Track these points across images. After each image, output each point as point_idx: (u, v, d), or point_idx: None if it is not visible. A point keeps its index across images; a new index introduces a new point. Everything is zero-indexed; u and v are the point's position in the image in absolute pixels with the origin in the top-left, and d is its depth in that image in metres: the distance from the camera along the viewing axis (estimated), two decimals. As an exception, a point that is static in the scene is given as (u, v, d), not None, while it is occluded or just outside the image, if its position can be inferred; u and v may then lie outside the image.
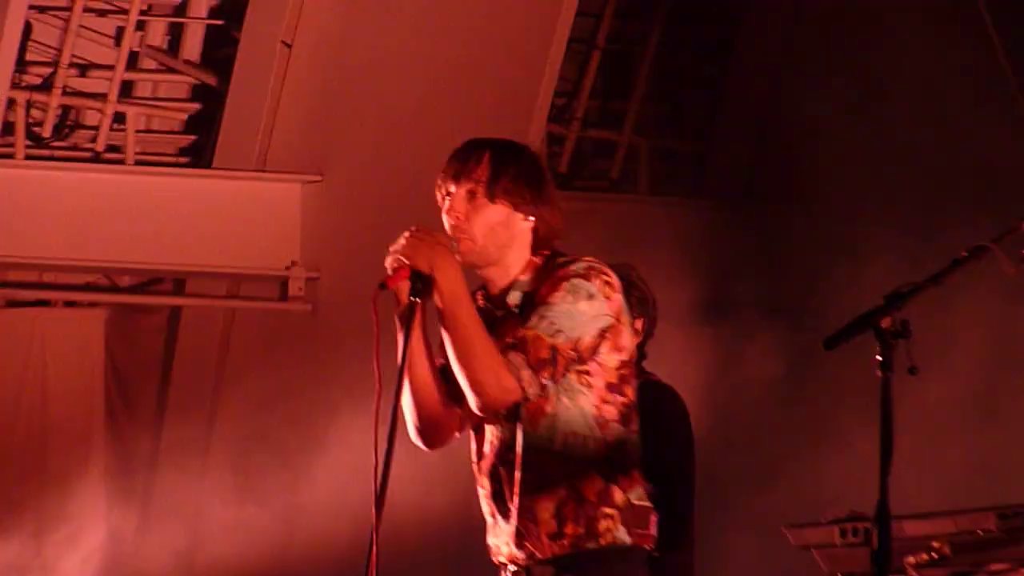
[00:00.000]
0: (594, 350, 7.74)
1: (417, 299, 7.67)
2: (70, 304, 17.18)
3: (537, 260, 7.93)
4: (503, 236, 7.90)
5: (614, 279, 7.87)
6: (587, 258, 7.99)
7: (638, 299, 10.01)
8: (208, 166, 17.07)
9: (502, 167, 7.98)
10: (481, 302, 8.04)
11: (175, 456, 16.01)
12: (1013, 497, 8.67)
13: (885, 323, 6.65)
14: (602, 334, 7.76)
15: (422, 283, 7.71)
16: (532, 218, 7.91)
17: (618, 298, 7.88)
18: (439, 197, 8.02)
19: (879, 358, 6.83)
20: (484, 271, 7.94)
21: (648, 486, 9.25)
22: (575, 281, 7.72)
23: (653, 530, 7.96)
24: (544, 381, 7.61)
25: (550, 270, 7.93)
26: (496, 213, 7.87)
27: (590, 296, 7.76)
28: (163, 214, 16.84)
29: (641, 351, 10.02)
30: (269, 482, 14.29)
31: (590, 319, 7.75)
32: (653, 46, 17.79)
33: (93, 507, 15.78)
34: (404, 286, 7.68)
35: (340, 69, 16.93)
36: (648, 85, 18.00)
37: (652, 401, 9.53)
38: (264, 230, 16.96)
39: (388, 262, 7.74)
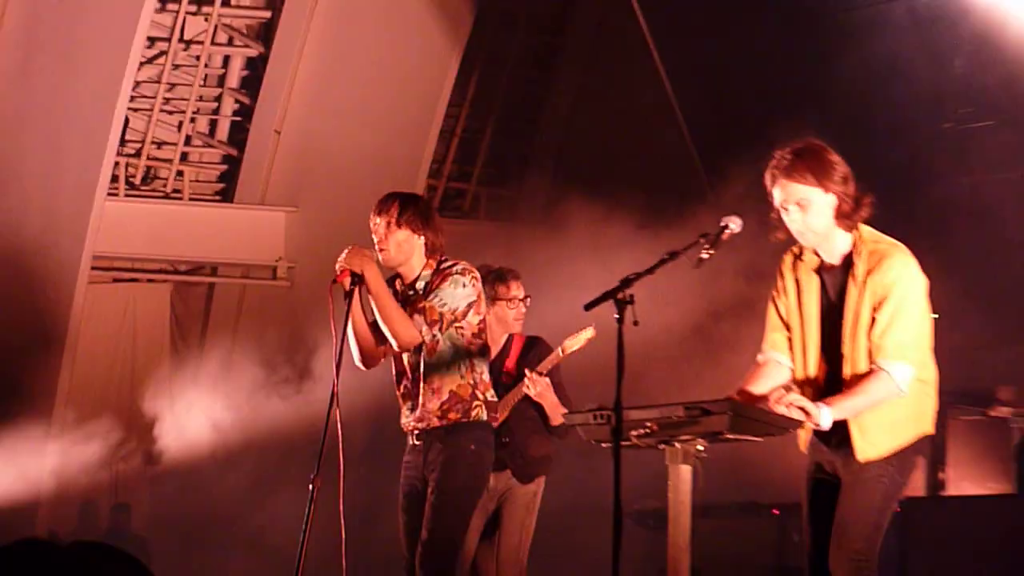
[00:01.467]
0: (464, 315, 8.59)
1: (354, 287, 8.43)
2: (150, 280, 17.25)
3: (431, 263, 8.59)
4: (407, 248, 8.55)
5: (476, 274, 8.65)
6: (461, 262, 8.73)
7: (617, 296, 9.90)
8: (231, 201, 17.29)
9: (405, 208, 8.54)
10: (399, 287, 8.69)
11: (212, 366, 15.82)
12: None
13: (620, 296, 7.02)
14: (469, 306, 8.57)
15: (355, 279, 8.40)
16: (423, 237, 8.54)
17: (479, 285, 8.65)
18: (372, 225, 8.62)
19: (616, 316, 7.07)
20: (399, 269, 8.60)
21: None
22: (455, 276, 8.51)
23: (500, 415, 9.04)
24: (435, 332, 8.49)
25: (441, 269, 8.63)
26: (402, 234, 8.51)
27: (464, 285, 8.55)
28: (205, 229, 17.10)
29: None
30: (271, 381, 14.25)
31: (462, 298, 8.55)
32: (489, 134, 18.00)
33: (163, 397, 15.73)
34: (346, 281, 8.41)
35: (307, 149, 17.06)
36: (486, 157, 18.20)
37: (534, 346, 9.98)
38: (263, 239, 17.17)
39: (336, 267, 8.46)
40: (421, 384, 8.69)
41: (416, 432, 8.68)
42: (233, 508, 15.49)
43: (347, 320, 8.58)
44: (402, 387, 8.79)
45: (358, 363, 8.83)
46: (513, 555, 9.98)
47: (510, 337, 10.04)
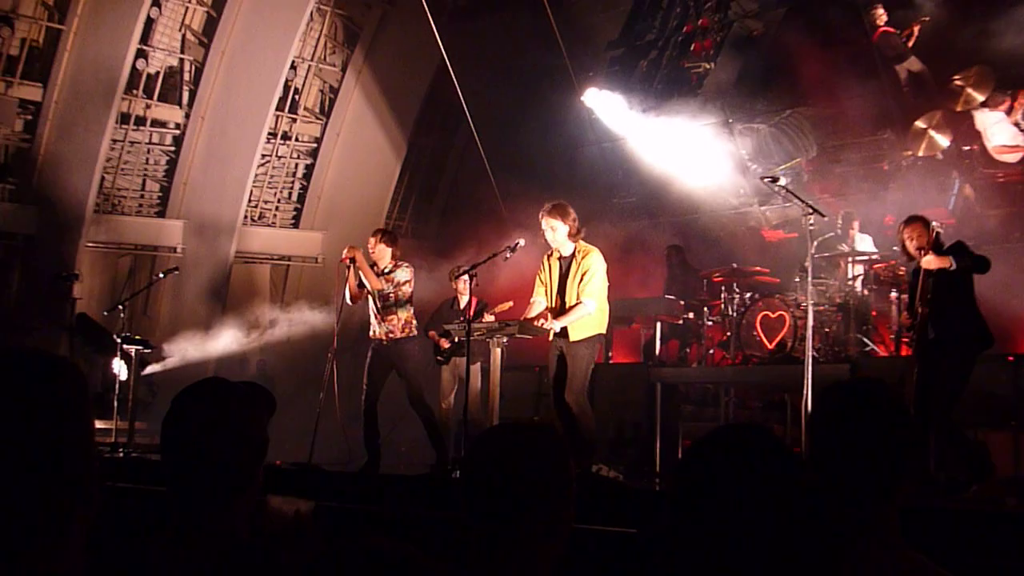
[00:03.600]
0: (409, 284, 8.00)
1: (350, 265, 7.93)
2: (260, 263, 16.52)
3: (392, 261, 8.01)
4: (382, 253, 8.00)
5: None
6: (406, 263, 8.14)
7: (468, 273, 8.20)
8: (298, 227, 16.68)
9: (386, 237, 8.13)
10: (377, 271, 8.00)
11: (288, 304, 15.31)
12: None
13: (470, 274, 7.26)
14: (413, 279, 8.05)
15: (352, 261, 7.89)
16: (389, 248, 8.03)
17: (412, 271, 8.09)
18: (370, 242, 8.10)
19: (468, 282, 7.49)
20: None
21: None
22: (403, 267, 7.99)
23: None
24: (394, 289, 7.94)
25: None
26: (382, 248, 8.01)
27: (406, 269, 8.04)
28: (286, 240, 16.60)
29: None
30: (313, 305, 13.64)
31: (411, 278, 8.04)
32: (413, 198, 17.48)
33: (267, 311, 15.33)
34: (346, 262, 7.94)
35: (332, 204, 16.59)
36: (412, 208, 17.58)
37: (480, 304, 8.87)
38: (312, 244, 16.59)
39: (342, 256, 7.99)
40: (387, 315, 8.03)
41: (383, 339, 8.03)
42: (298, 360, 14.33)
43: (346, 282, 8.03)
44: (375, 313, 8.06)
45: (348, 302, 8.10)
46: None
47: (469, 300, 8.71)
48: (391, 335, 8.03)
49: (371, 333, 8.12)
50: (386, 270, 8.04)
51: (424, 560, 1.43)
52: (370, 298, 8.10)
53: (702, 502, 1.56)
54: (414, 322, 8.15)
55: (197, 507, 2.03)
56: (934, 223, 6.62)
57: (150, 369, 13.23)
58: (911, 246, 6.54)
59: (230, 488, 2.05)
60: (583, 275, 7.05)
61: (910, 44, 10.90)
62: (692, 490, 1.59)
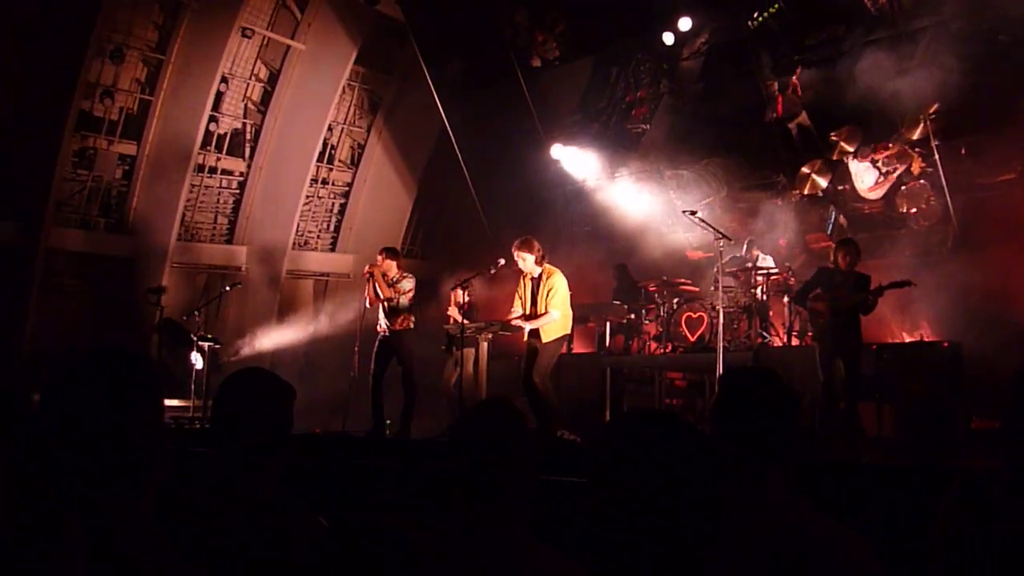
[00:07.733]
0: (412, 292, 7.86)
1: (369, 279, 7.79)
2: (304, 279, 16.20)
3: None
4: (389, 265, 7.85)
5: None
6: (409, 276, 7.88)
7: (462, 285, 7.83)
8: (335, 251, 16.43)
9: (391, 253, 7.98)
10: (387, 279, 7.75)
11: (327, 310, 15.35)
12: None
13: (463, 286, 7.13)
14: (415, 288, 7.91)
15: (371, 276, 7.67)
16: (393, 261, 7.87)
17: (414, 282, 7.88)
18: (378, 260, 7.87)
19: (462, 292, 7.13)
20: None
21: None
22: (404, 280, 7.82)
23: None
24: (399, 296, 7.79)
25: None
26: (389, 262, 7.88)
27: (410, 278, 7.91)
28: (324, 261, 16.30)
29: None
30: (347, 307, 13.43)
31: (413, 287, 7.88)
32: (422, 231, 17.19)
33: (311, 318, 15.38)
34: (366, 276, 7.83)
35: (360, 234, 16.31)
36: (422, 237, 17.18)
37: (472, 305, 8.34)
38: (344, 264, 16.28)
39: (363, 272, 7.92)
40: (393, 314, 7.86)
41: (387, 331, 7.84)
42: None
43: (367, 287, 7.89)
44: (382, 311, 7.85)
45: (368, 305, 7.93)
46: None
47: (465, 304, 8.04)
48: (393, 328, 7.85)
49: (378, 328, 7.95)
50: (394, 279, 7.92)
51: (414, 535, 1.42)
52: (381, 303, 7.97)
53: (613, 464, 1.46)
54: (412, 319, 7.94)
55: (235, 467, 1.98)
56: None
57: (225, 359, 13.07)
58: (841, 261, 7.00)
59: (260, 452, 1.99)
60: (549, 291, 6.99)
61: (799, 93, 10.74)
62: (606, 455, 1.48)
